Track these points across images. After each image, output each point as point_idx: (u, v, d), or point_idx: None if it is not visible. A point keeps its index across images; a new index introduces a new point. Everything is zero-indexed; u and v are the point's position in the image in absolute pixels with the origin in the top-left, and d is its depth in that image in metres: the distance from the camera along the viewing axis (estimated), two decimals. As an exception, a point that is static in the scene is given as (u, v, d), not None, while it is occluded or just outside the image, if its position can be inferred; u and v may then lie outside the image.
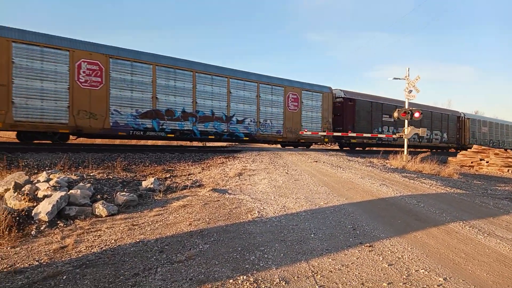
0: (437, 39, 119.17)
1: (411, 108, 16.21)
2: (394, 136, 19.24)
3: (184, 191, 7.54)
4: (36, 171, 8.57)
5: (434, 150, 28.31)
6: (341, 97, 22.16)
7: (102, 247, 4.23)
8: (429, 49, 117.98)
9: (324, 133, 20.07)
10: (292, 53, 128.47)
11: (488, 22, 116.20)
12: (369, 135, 20.60)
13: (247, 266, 3.59)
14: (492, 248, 4.28)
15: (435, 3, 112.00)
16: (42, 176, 7.14)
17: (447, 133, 29.44)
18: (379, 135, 22.13)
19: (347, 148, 23.52)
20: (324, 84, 21.25)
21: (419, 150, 25.32)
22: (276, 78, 18.78)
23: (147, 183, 7.70)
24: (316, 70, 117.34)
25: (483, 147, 21.71)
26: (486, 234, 4.80)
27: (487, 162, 19.64)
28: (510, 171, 18.55)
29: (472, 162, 20.29)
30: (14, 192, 5.97)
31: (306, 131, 19.10)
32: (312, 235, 4.55)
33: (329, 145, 24.65)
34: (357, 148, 24.03)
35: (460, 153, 21.59)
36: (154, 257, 3.85)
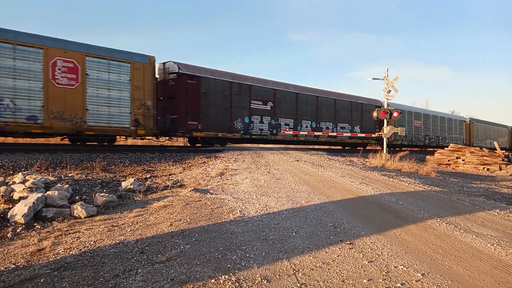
0: (417, 40, 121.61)
1: (389, 108, 16.49)
2: (374, 135, 19.46)
3: (165, 191, 7.47)
4: (11, 172, 8.34)
5: (340, 147, 25.18)
6: (175, 73, 15.64)
7: (81, 249, 4.15)
8: (409, 49, 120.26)
9: (131, 124, 13.94)
10: (275, 52, 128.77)
11: (465, 22, 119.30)
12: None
13: (228, 265, 3.58)
14: (468, 244, 4.39)
15: (417, 4, 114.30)
16: (18, 177, 6.96)
17: (361, 127, 24.10)
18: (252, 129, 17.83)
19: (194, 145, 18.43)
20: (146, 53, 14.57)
21: (317, 147, 23.32)
22: (28, 34, 12.06)
23: (127, 183, 7.59)
24: (299, 70, 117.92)
25: (459, 146, 22.27)
26: (462, 231, 4.93)
27: (463, 160, 20.15)
28: (485, 169, 19.08)
29: (449, 160, 20.79)
30: (-12, 194, 5.80)
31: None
32: (294, 234, 4.58)
33: (155, 139, 16.42)
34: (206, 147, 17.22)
35: (438, 151, 22.09)
36: (135, 258, 3.80)
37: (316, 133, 20.81)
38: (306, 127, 20.82)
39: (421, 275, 3.41)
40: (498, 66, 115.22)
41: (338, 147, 25.43)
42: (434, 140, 31.52)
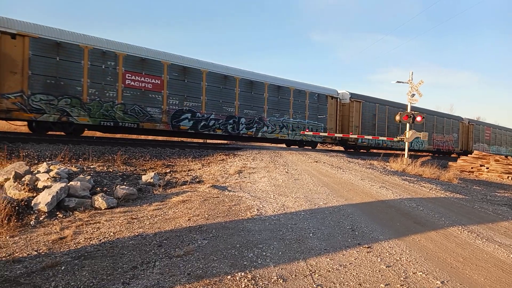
0: (441, 44, 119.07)
1: (413, 112, 16.18)
2: (395, 139, 19.07)
3: (184, 186, 7.54)
4: (36, 161, 8.57)
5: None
6: None
7: (100, 239, 4.23)
8: (432, 53, 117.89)
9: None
10: (297, 52, 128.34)
11: (490, 28, 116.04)
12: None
13: (245, 263, 3.59)
14: (490, 254, 4.28)
15: (440, 8, 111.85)
16: (43, 167, 7.14)
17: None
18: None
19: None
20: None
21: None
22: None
23: (147, 177, 7.70)
24: (320, 71, 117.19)
25: (483, 153, 21.70)
26: (484, 239, 4.80)
27: (487, 168, 19.63)
28: (510, 178, 18.54)
29: (472, 168, 20.29)
30: (14, 182, 5.98)
31: None
32: (311, 235, 4.56)
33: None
34: None
35: (461, 158, 21.59)
36: (153, 251, 3.86)
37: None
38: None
39: (441, 282, 3.34)
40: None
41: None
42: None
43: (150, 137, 18.27)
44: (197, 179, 8.40)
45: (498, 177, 18.79)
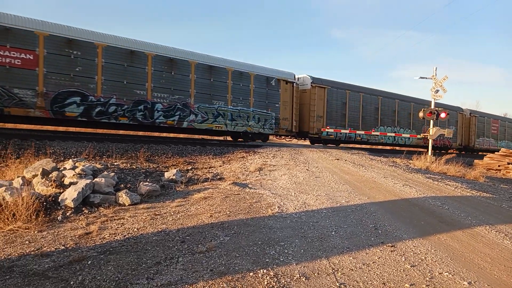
0: (464, 39, 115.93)
1: (436, 108, 15.83)
2: (419, 136, 18.63)
3: (205, 183, 7.59)
4: (62, 158, 8.80)
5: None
6: None
7: (125, 235, 4.31)
8: (456, 49, 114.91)
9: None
10: (317, 49, 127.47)
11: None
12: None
13: (267, 260, 3.59)
14: (519, 254, 4.15)
15: (463, 2, 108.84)
16: (69, 163, 7.32)
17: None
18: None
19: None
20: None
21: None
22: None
23: (169, 174, 7.79)
24: (341, 67, 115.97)
25: (510, 150, 21.04)
26: (513, 240, 4.66)
27: (515, 166, 19.01)
28: (539, 177, 17.90)
29: (499, 166, 19.69)
30: (42, 178, 6.15)
31: None
32: (333, 233, 4.52)
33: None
34: None
35: (487, 156, 20.98)
36: (176, 247, 3.90)
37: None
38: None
39: (468, 283, 3.26)
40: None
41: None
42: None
43: (171, 135, 18.43)
44: (218, 176, 8.45)
45: (527, 176, 18.16)
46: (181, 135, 18.10)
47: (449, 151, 25.67)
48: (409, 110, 23.86)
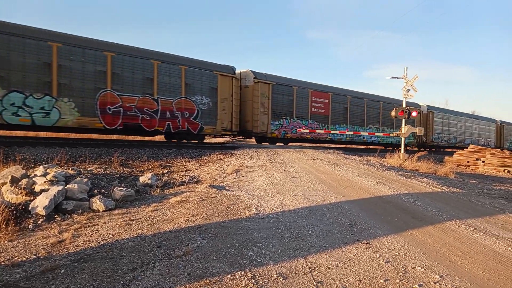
0: (436, 39, 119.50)
1: (408, 107, 16.23)
2: (391, 135, 19.04)
3: (182, 187, 7.54)
4: (33, 165, 8.54)
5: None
6: None
7: (99, 242, 4.23)
8: (428, 49, 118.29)
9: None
10: (293, 50, 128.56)
11: (487, 22, 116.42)
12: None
13: (244, 261, 3.60)
14: (488, 247, 4.30)
15: (436, 2, 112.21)
16: (39, 170, 7.11)
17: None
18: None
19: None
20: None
21: None
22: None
23: (145, 178, 7.69)
24: (317, 69, 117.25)
25: (479, 146, 21.80)
26: (482, 233, 4.84)
27: (483, 161, 19.72)
28: (506, 171, 18.64)
29: (468, 162, 20.38)
30: (11, 186, 5.95)
31: None
32: (310, 232, 4.57)
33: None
34: None
35: (457, 152, 21.67)
36: (152, 252, 3.86)
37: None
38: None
39: (440, 277, 3.37)
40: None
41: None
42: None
43: (146, 138, 18.18)
44: (195, 179, 8.40)
45: (494, 170, 18.89)
46: (156, 138, 17.88)
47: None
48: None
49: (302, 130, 19.79)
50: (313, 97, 20.64)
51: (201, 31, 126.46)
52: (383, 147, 24.47)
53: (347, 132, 21.32)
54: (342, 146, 23.25)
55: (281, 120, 19.15)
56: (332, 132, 21.17)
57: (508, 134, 37.99)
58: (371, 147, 25.19)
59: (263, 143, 19.71)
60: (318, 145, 22.75)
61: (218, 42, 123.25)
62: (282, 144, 19.63)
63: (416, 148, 26.92)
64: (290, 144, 20.41)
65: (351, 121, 22.71)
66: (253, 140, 21.46)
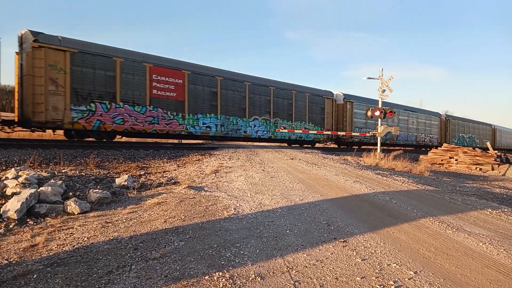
0: (412, 40, 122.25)
1: (384, 107, 16.54)
2: (368, 134, 19.37)
3: (159, 188, 7.45)
4: (4, 167, 8.27)
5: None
6: None
7: (74, 245, 4.13)
8: (403, 50, 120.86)
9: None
10: (273, 51, 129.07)
11: (461, 24, 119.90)
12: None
13: (222, 262, 3.59)
14: (460, 243, 4.43)
15: (411, 5, 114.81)
16: (11, 173, 6.90)
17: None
18: None
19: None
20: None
21: None
22: None
23: (121, 180, 7.56)
24: (294, 68, 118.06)
25: (452, 145, 22.42)
26: (454, 229, 4.97)
27: (456, 160, 20.30)
28: (478, 169, 19.24)
29: (442, 160, 20.94)
30: (-19, 190, 5.75)
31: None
32: (288, 231, 4.59)
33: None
34: None
35: (431, 151, 22.22)
36: (128, 255, 3.80)
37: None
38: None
39: (414, 273, 3.44)
40: (492, 67, 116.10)
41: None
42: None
43: (123, 139, 17.90)
44: (173, 180, 8.32)
45: (467, 168, 19.46)
46: (133, 139, 17.63)
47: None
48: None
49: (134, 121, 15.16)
50: (154, 75, 15.74)
51: (170, 30, 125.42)
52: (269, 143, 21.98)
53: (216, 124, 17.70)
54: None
55: (92, 104, 14.05)
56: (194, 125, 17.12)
57: (455, 129, 36.31)
58: (257, 143, 22.51)
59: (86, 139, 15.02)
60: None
61: (194, 44, 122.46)
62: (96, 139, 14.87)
63: (332, 145, 24.66)
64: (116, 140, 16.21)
65: (224, 110, 18.39)
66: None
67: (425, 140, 31.75)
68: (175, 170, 9.90)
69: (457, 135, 36.45)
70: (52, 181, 6.68)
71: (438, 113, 35.02)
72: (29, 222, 5.08)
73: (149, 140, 16.87)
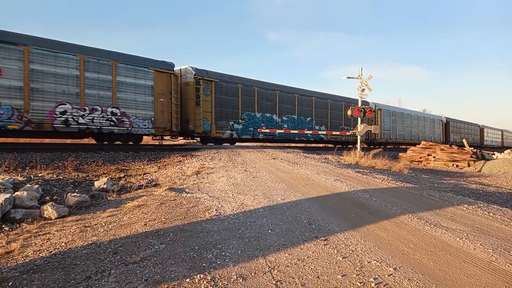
0: (390, 40, 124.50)
1: (363, 106, 16.75)
2: (348, 133, 19.59)
3: (139, 191, 7.36)
4: (-23, 172, 8.02)
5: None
6: None
7: (51, 251, 4.04)
8: (382, 50, 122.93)
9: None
10: (254, 52, 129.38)
11: (439, 24, 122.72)
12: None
13: (204, 264, 3.56)
14: (438, 238, 4.52)
15: (390, 5, 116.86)
16: (-16, 178, 6.70)
17: None
18: None
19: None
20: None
21: None
22: None
23: (100, 183, 7.43)
24: (275, 69, 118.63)
25: (430, 143, 22.90)
26: (432, 225, 5.07)
27: (434, 157, 20.74)
28: (455, 165, 19.70)
29: (420, 158, 21.36)
30: (-48, 196, 5.56)
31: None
32: (270, 231, 4.60)
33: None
34: None
35: (410, 149, 22.64)
36: (108, 259, 3.73)
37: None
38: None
39: (393, 269, 3.49)
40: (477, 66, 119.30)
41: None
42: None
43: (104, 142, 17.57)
44: (153, 183, 8.23)
45: (444, 165, 19.91)
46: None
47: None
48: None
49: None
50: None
51: (153, 33, 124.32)
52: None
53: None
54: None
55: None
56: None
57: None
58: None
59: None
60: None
61: (174, 46, 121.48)
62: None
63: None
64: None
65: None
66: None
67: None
68: (155, 172, 9.79)
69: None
70: (28, 185, 6.52)
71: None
72: (4, 228, 4.94)
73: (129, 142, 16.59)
